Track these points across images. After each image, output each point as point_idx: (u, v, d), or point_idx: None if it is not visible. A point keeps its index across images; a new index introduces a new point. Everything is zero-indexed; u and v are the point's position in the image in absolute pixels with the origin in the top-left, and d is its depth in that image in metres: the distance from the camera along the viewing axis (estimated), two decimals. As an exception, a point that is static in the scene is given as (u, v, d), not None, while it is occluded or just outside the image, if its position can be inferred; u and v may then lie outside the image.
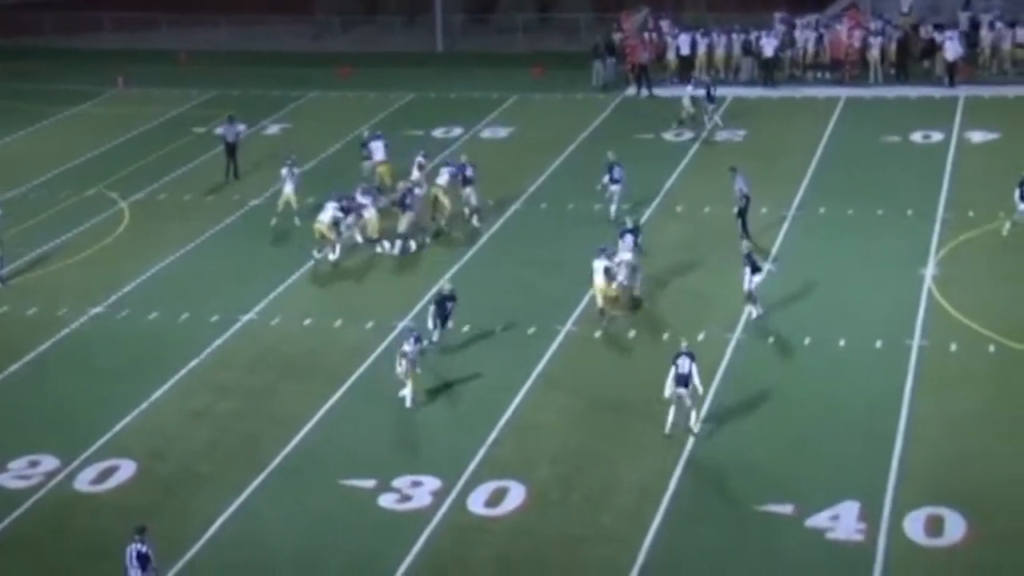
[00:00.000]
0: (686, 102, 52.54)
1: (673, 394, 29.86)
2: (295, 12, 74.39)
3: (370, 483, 29.02)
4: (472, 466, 29.55)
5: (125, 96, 62.32)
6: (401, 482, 29.01)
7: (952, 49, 56.88)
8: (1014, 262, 38.50)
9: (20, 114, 58.85)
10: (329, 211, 40.43)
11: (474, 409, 32.02)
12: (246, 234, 43.90)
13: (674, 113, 53.34)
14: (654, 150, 49.94)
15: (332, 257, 40.75)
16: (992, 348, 33.63)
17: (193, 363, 35.06)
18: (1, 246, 40.74)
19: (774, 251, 39.38)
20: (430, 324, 34.37)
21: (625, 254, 36.81)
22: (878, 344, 34.04)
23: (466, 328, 35.20)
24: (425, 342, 32.69)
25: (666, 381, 29.96)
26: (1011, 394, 31.54)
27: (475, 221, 43.25)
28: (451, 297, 34.54)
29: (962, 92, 55.93)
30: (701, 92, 52.45)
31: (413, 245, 41.33)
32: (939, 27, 58.89)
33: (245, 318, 37.51)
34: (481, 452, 30.13)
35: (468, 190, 43.16)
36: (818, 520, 26.88)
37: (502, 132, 54.34)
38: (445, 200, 42.72)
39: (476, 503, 28.24)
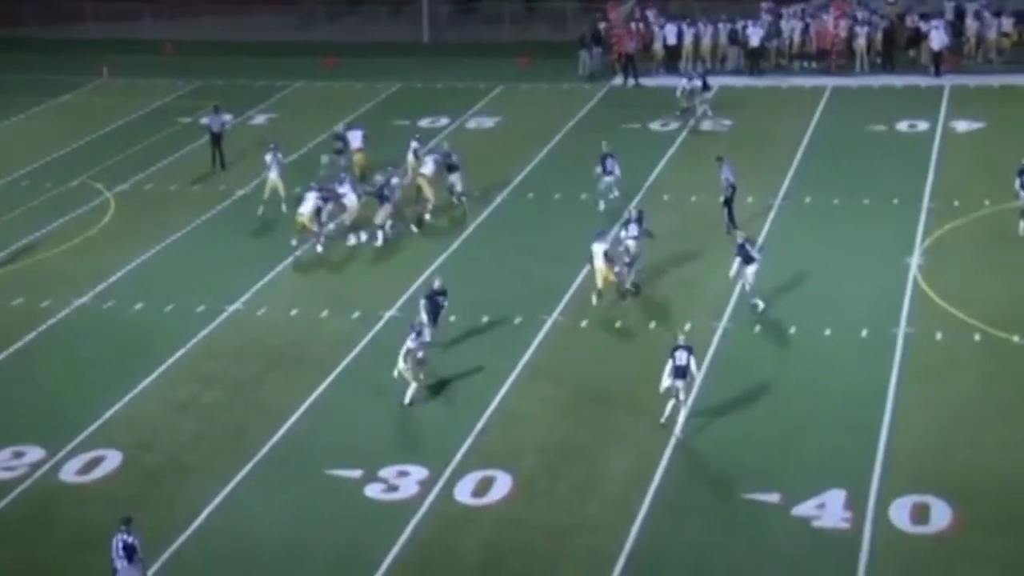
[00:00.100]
0: (680, 95, 52.50)
1: (672, 387, 29.72)
2: (280, 2, 74.30)
3: (357, 473, 29.01)
4: (459, 456, 29.55)
5: (110, 86, 62.16)
6: (388, 472, 29.00)
7: (938, 38, 56.95)
8: (999, 251, 38.57)
9: (4, 104, 58.55)
10: (310, 202, 40.35)
11: (460, 399, 32.00)
12: (232, 224, 43.84)
13: (660, 103, 53.43)
14: (641, 140, 49.91)
15: (319, 249, 40.71)
16: (977, 337, 33.69)
17: (179, 353, 35.01)
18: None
19: (760, 240, 39.35)
20: (424, 320, 34.29)
21: (630, 242, 36.88)
22: (864, 333, 34.08)
23: (453, 318, 35.16)
24: (423, 338, 32.42)
25: (663, 374, 29.76)
26: (996, 382, 31.61)
27: (460, 201, 43.34)
28: (442, 293, 34.42)
29: (948, 81, 56.00)
30: (697, 84, 52.33)
31: (389, 234, 41.28)
32: (925, 16, 58.99)
33: (231, 308, 37.46)
34: (468, 442, 30.12)
35: (453, 177, 43.19)
36: (804, 509, 26.92)
37: (488, 122, 54.31)
38: (429, 191, 42.70)
39: (463, 493, 28.24)
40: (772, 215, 42.14)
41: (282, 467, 29.63)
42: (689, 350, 29.77)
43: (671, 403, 29.75)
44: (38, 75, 63.59)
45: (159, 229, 43.32)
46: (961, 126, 50.24)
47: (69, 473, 29.76)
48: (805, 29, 59.68)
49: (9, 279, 40.14)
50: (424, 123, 52.98)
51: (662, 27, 60.49)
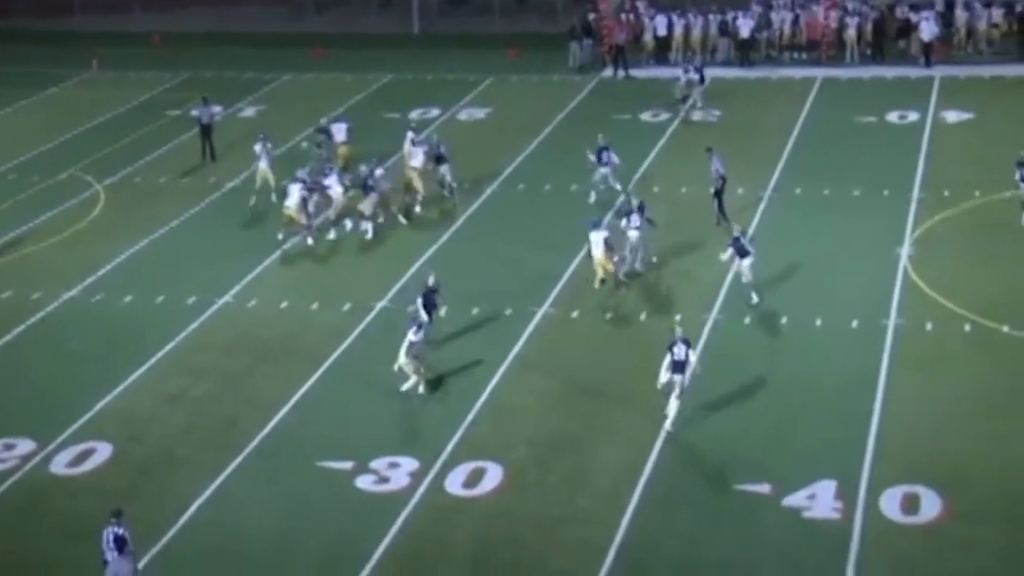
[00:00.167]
0: (680, 85, 52.43)
1: (669, 381, 29.63)
2: (269, -7, 74.23)
3: (347, 465, 29.00)
4: (450, 447, 29.54)
5: (99, 79, 62.02)
6: (378, 464, 29.00)
7: (928, 29, 56.93)
8: (989, 241, 38.59)
9: (-7, 97, 58.64)
10: (295, 194, 40.32)
11: (451, 390, 31.98)
12: (222, 216, 43.78)
13: (651, 94, 53.55)
14: (631, 131, 49.86)
15: (309, 242, 40.67)
16: (968, 327, 33.71)
17: (169, 346, 34.97)
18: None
19: (751, 232, 39.33)
20: (424, 317, 34.06)
21: (632, 232, 36.90)
22: (854, 324, 34.10)
23: (443, 310, 35.11)
24: (424, 332, 32.21)
25: (661, 369, 29.62)
26: (986, 372, 31.63)
27: (450, 193, 43.39)
28: (435, 290, 34.30)
29: (938, 72, 55.99)
30: (694, 76, 52.28)
31: (379, 225, 41.26)
32: (915, 7, 59.02)
33: (221, 301, 37.42)
34: (459, 434, 30.12)
35: (443, 169, 43.19)
36: (795, 499, 26.94)
37: (479, 114, 54.26)
38: (419, 183, 42.70)
39: (454, 484, 28.24)
40: (762, 206, 42.13)
41: (273, 459, 29.62)
42: (687, 344, 29.72)
43: (672, 399, 29.68)
44: (26, 67, 63.43)
45: (148, 222, 43.25)
46: (951, 117, 50.25)
47: (59, 465, 29.73)
48: (795, 20, 59.73)
49: (-2, 272, 40.16)
50: (415, 115, 52.85)
51: (652, 18, 60.50)
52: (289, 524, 27.11)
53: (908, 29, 58.60)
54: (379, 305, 36.34)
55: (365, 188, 41.12)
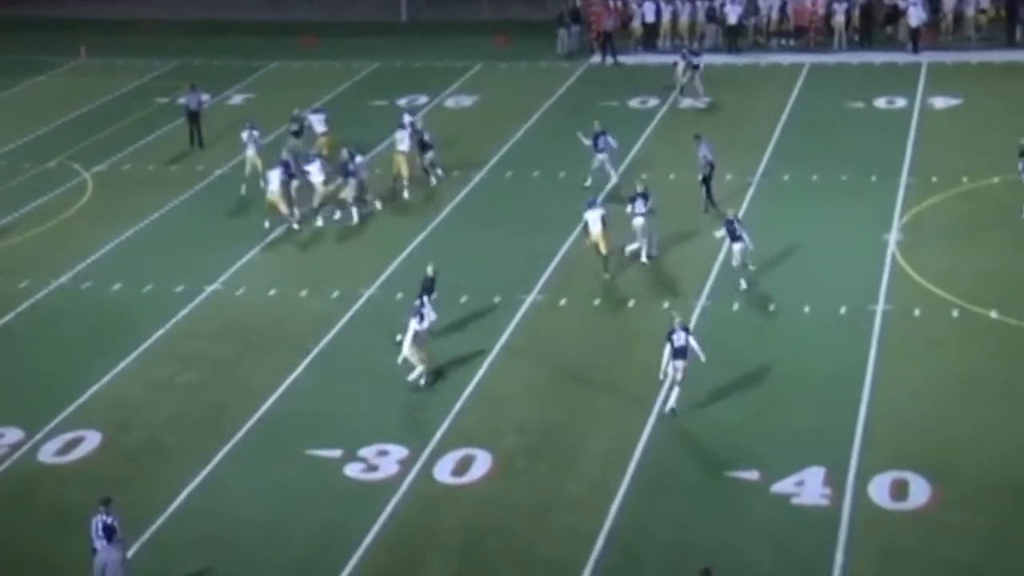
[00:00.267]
0: (679, 72, 52.39)
1: (671, 367, 29.53)
2: (257, -20, 74.02)
3: (336, 453, 29.01)
4: (438, 435, 29.55)
5: (87, 66, 61.94)
6: (367, 452, 29.00)
7: (916, 15, 56.95)
8: (977, 227, 38.62)
9: (-20, 85, 58.52)
10: (276, 180, 40.36)
11: (440, 378, 31.96)
12: (210, 204, 43.75)
13: (639, 81, 53.51)
14: (619, 118, 49.74)
15: (295, 227, 40.69)
16: (955, 313, 33.75)
17: (158, 334, 34.95)
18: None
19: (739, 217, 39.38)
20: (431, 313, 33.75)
21: (638, 219, 36.91)
22: (842, 310, 34.13)
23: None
24: (427, 322, 32.02)
25: (663, 358, 29.55)
26: (974, 358, 31.68)
27: (437, 179, 43.52)
28: (434, 280, 34.16)
29: (925, 58, 56.01)
30: (693, 61, 52.16)
31: (365, 211, 41.26)
32: (903, -7, 59.04)
33: (210, 288, 37.39)
34: (447, 421, 30.12)
35: (428, 155, 43.39)
36: (784, 486, 26.97)
37: (467, 101, 54.22)
38: (405, 168, 42.77)
39: (443, 472, 28.25)
40: (751, 192, 42.15)
41: (262, 447, 29.62)
42: (686, 330, 29.70)
43: (674, 388, 29.65)
44: (15, 55, 63.27)
45: (137, 209, 43.21)
46: (939, 103, 50.27)
47: (48, 454, 29.72)
48: (783, 6, 59.75)
49: (-14, 260, 40.09)
50: (403, 102, 52.81)
51: (640, 5, 60.49)
52: (278, 512, 27.12)
53: (896, 15, 58.69)
54: (367, 294, 36.32)
55: (346, 174, 41.13)
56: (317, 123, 46.21)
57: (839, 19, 58.35)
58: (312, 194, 41.40)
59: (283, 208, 40.43)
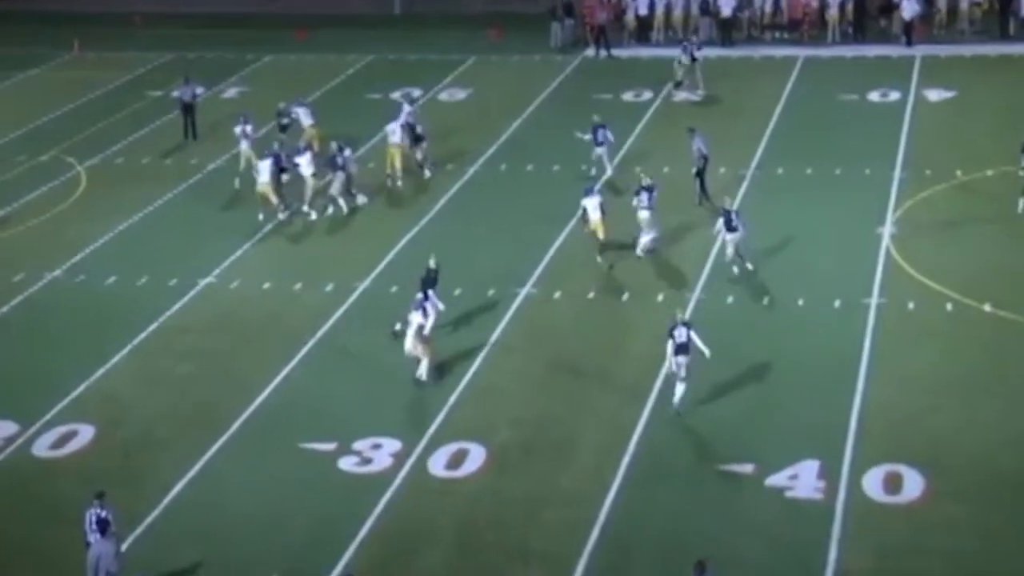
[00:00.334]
0: (678, 65, 52.34)
1: (674, 363, 29.48)
2: (251, -27, 73.81)
3: (330, 446, 29.00)
4: (433, 429, 29.56)
5: (81, 60, 61.84)
6: (362, 445, 29.00)
7: (909, 8, 56.97)
8: (971, 220, 38.64)
9: (-26, 78, 58.42)
10: (266, 172, 40.38)
11: (434, 371, 31.93)
12: (204, 197, 43.70)
13: (632, 74, 53.50)
14: (613, 111, 49.68)
15: (280, 216, 40.73)
16: (949, 306, 33.78)
17: (152, 327, 34.92)
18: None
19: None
20: (439, 304, 33.69)
21: (643, 212, 36.94)
22: (836, 303, 34.14)
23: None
24: (432, 315, 31.93)
25: (666, 355, 29.54)
26: (968, 352, 31.71)
27: (427, 173, 43.63)
28: (437, 272, 34.08)
29: (919, 51, 56.03)
30: (695, 53, 52.12)
31: (356, 203, 41.29)
32: (896, -14, 59.05)
33: (204, 282, 37.37)
34: (441, 415, 30.12)
35: (420, 147, 43.51)
36: (778, 479, 26.99)
37: (460, 94, 54.18)
38: (398, 161, 42.82)
39: (437, 465, 28.25)
40: (745, 185, 42.15)
41: (256, 440, 29.61)
42: (688, 326, 29.68)
43: (678, 384, 29.63)
44: (8, 48, 63.07)
45: (131, 202, 43.16)
46: (933, 96, 50.28)
47: (42, 448, 29.70)
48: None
49: (-20, 253, 40.03)
50: (396, 95, 52.76)
51: (633, -2, 60.50)
52: (272, 505, 27.11)
53: (890, 8, 58.67)
54: (361, 287, 36.32)
55: (334, 167, 41.13)
56: (304, 116, 46.15)
57: (833, 12, 58.30)
58: (303, 187, 41.35)
59: (273, 200, 40.43)
